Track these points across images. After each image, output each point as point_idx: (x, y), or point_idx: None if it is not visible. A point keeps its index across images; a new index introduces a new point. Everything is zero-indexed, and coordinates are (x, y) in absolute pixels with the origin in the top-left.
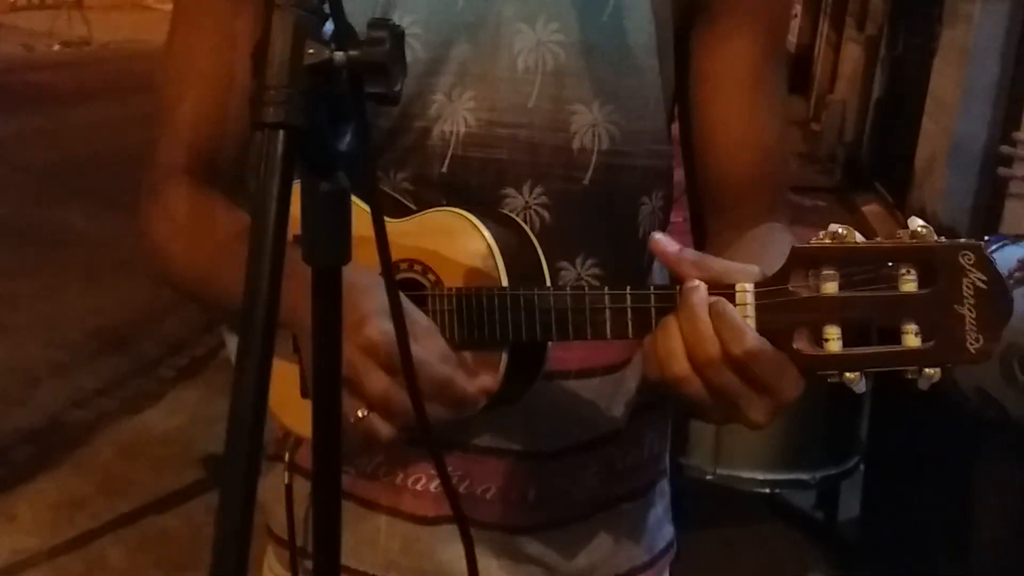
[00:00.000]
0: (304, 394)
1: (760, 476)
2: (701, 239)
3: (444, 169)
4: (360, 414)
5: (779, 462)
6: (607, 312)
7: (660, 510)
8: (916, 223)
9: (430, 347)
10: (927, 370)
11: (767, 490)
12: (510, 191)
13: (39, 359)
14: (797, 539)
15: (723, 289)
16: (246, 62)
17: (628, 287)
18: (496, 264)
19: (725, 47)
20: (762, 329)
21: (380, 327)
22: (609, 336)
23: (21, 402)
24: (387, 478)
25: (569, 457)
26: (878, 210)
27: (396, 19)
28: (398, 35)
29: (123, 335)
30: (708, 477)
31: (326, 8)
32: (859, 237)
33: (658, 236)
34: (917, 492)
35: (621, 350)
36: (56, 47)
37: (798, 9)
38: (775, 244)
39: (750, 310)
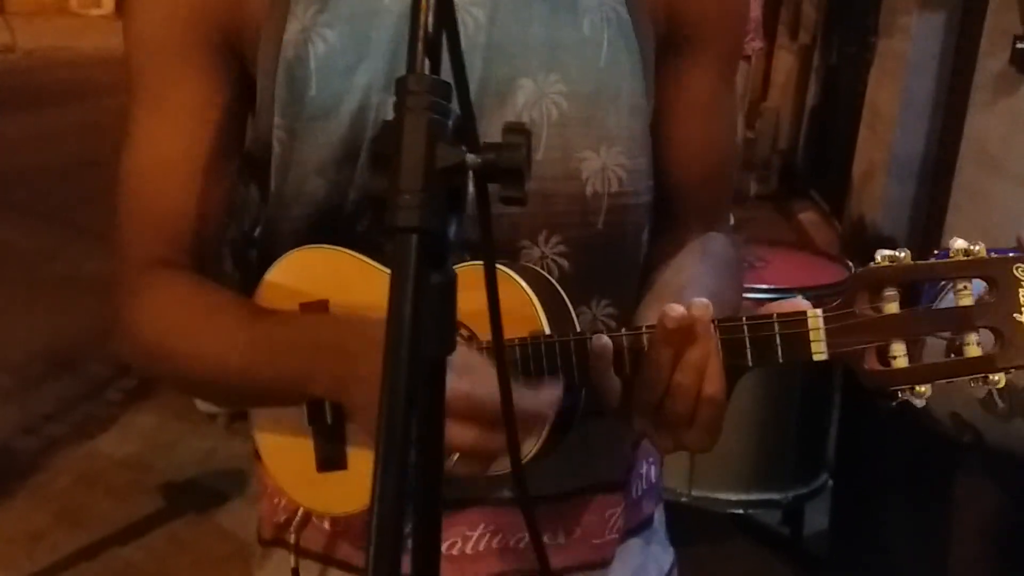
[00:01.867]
0: (320, 468)
1: (733, 497)
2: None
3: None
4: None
5: (751, 483)
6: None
7: (662, 534)
8: (958, 243)
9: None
10: (992, 376)
11: (741, 510)
12: (526, 243)
13: None
14: (765, 555)
15: (795, 314)
16: (222, 137)
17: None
18: (537, 312)
19: (688, 75)
20: (833, 352)
21: (453, 383)
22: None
23: None
24: None
25: (589, 495)
26: (814, 218)
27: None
28: (530, 140)
29: (69, 356)
30: (683, 499)
31: (454, 108)
32: (910, 258)
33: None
34: (885, 508)
35: None
36: None
37: None
38: (702, 275)
39: (822, 334)
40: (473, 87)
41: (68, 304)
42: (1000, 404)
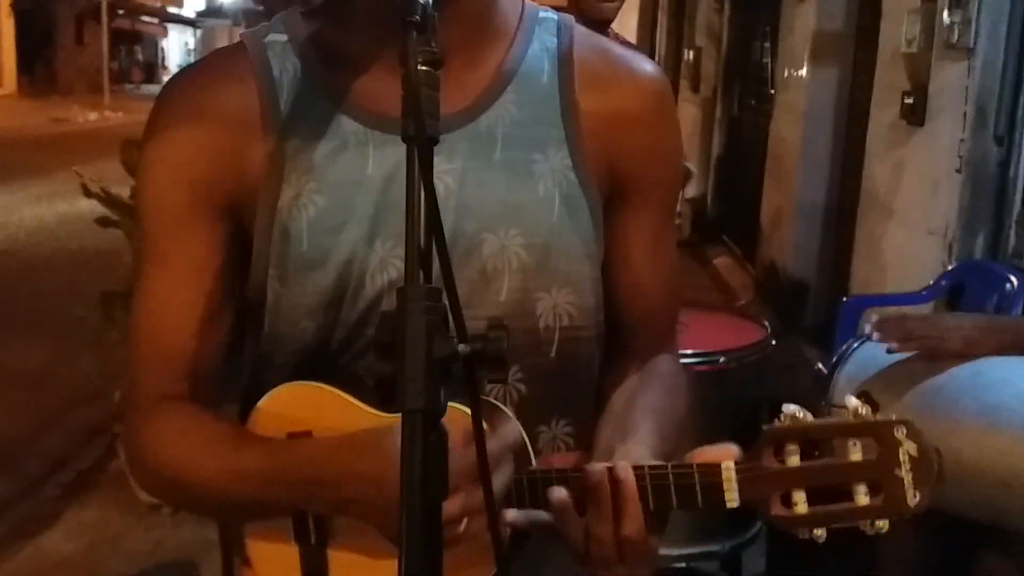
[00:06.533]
0: None
1: (676, 552)
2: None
3: None
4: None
5: (692, 537)
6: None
7: None
8: (853, 403)
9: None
10: (878, 522)
11: (683, 564)
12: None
13: None
14: None
15: (711, 467)
16: (220, 287)
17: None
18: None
19: (633, 222)
20: (744, 499)
21: None
22: None
23: None
24: None
25: None
26: (728, 262)
27: (379, 245)
28: (508, 335)
29: (3, 455)
30: None
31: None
32: (810, 417)
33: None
34: (819, 553)
35: None
36: None
37: None
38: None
39: (734, 484)
40: (448, 242)
41: None
42: (939, 473)
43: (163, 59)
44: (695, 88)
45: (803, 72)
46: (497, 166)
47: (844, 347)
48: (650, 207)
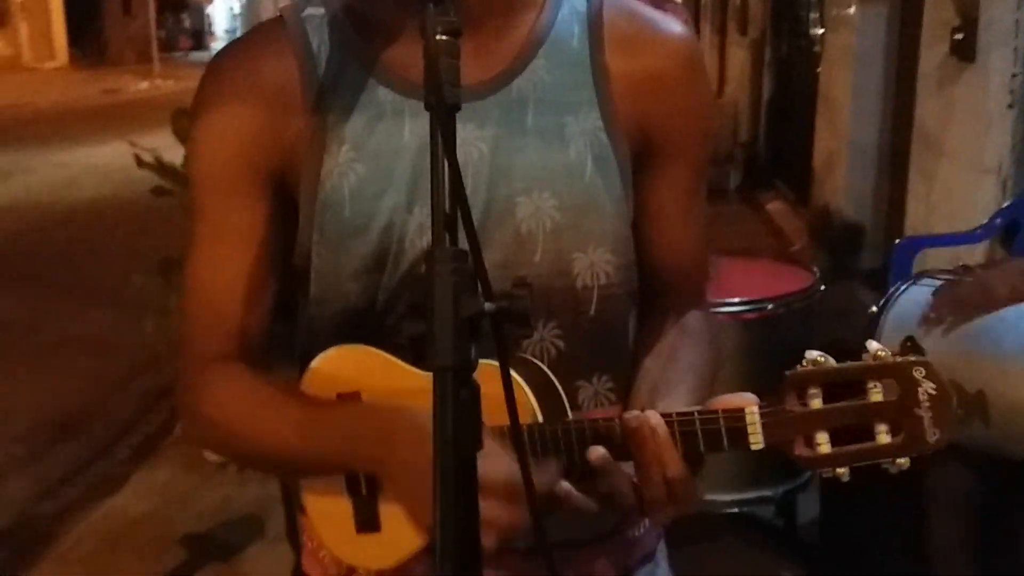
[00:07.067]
0: (359, 529)
1: (728, 497)
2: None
3: None
4: None
5: (744, 482)
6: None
7: (664, 566)
8: (874, 346)
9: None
10: (899, 460)
11: (736, 509)
12: (527, 330)
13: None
14: (763, 547)
15: (735, 411)
16: (268, 252)
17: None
18: (530, 402)
19: (662, 182)
20: (768, 441)
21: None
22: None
23: None
24: None
25: (599, 541)
26: (781, 207)
27: (417, 211)
28: (532, 292)
29: (73, 420)
30: None
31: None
32: (832, 362)
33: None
34: (870, 494)
35: None
36: None
37: None
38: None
39: (759, 427)
40: (481, 206)
41: (64, 368)
42: (958, 411)
43: (210, 25)
44: (743, 31)
45: (852, 10)
46: (529, 131)
47: (891, 290)
48: (681, 167)
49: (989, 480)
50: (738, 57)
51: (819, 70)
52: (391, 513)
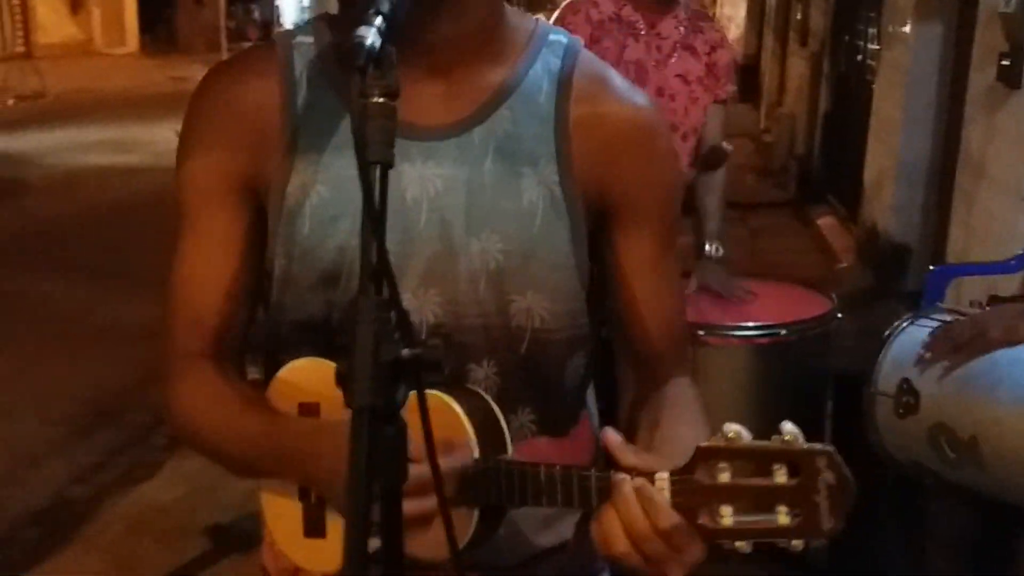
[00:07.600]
0: (307, 534)
1: None
2: (624, 383)
3: None
4: None
5: None
6: (558, 485)
7: None
8: (787, 428)
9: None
10: (794, 541)
11: None
12: (472, 366)
13: (38, 437)
14: (776, 571)
15: (646, 475)
16: (244, 257)
17: (572, 470)
18: (469, 438)
19: (631, 243)
20: (674, 506)
21: None
22: (560, 504)
23: (23, 482)
24: None
25: (529, 567)
26: (832, 223)
27: None
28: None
29: (113, 405)
30: None
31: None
32: (746, 437)
33: (608, 431)
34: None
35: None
36: (11, 102)
37: (743, 21)
38: (684, 423)
39: (666, 493)
40: (433, 241)
41: (108, 354)
42: (950, 454)
43: (279, 17)
44: (803, 42)
45: (907, 28)
46: (486, 174)
47: (888, 331)
48: (644, 234)
49: (988, 518)
50: (798, 68)
51: (874, 86)
52: (337, 522)
